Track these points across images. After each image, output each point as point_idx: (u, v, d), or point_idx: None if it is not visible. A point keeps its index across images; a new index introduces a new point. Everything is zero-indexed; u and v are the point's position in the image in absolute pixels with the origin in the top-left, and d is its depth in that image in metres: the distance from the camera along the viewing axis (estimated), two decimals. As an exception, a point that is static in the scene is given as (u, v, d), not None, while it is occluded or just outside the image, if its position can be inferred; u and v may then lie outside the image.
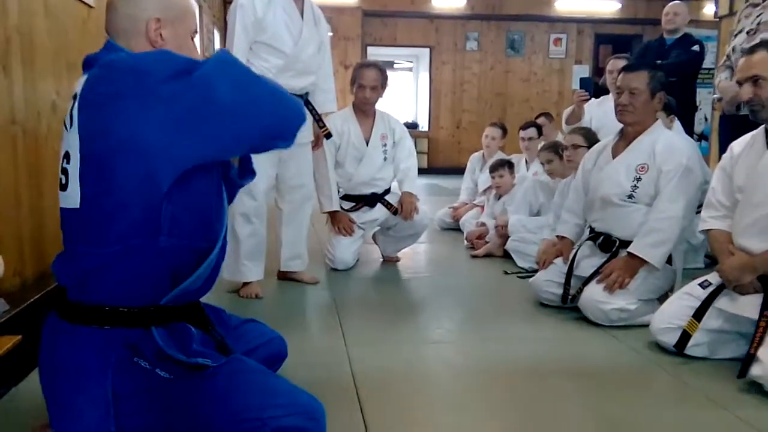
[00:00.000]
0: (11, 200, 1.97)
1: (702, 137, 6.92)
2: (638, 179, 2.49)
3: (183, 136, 1.16)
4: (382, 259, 3.66)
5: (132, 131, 1.15)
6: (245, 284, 2.83)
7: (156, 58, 1.22)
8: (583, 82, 3.94)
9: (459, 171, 5.65)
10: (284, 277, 3.11)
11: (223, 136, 1.19)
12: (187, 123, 1.15)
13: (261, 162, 2.82)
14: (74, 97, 1.25)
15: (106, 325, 1.21)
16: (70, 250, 1.27)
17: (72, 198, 1.23)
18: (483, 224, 4.09)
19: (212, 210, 1.34)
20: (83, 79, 1.25)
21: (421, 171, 3.82)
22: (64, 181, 1.25)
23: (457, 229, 4.56)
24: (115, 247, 1.21)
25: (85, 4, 2.62)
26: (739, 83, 2.16)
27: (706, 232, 2.26)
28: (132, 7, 1.31)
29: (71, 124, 1.23)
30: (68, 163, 1.23)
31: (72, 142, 1.22)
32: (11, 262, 1.94)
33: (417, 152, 3.74)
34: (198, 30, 1.42)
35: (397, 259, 3.65)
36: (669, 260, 2.50)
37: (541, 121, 4.81)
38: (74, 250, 1.26)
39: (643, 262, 2.44)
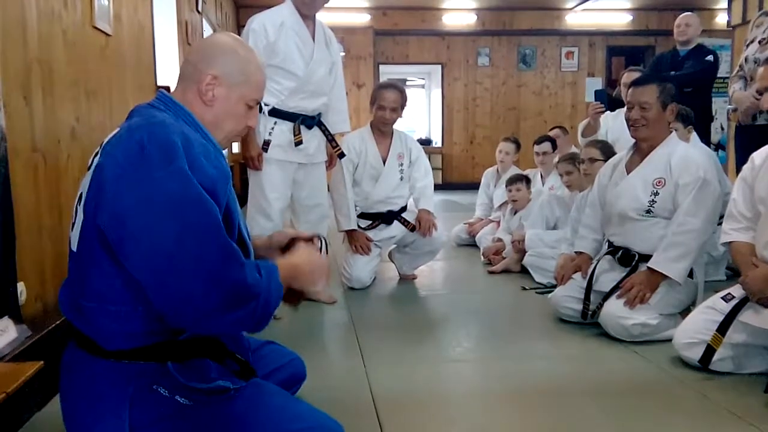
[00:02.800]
0: (33, 227, 2.00)
1: (719, 147, 6.85)
2: (656, 194, 2.47)
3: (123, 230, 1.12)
4: (398, 277, 3.65)
5: (105, 202, 1.14)
6: (263, 305, 2.83)
7: (166, 159, 1.14)
8: (598, 95, 3.93)
9: (473, 186, 5.64)
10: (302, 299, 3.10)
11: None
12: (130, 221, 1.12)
13: (276, 182, 2.87)
14: (101, 144, 1.25)
15: (123, 359, 1.21)
16: (71, 292, 1.27)
17: (74, 240, 1.23)
18: (499, 240, 4.07)
19: None
20: (116, 131, 1.25)
21: (436, 187, 3.83)
22: (74, 220, 1.25)
23: (473, 245, 4.54)
24: (93, 303, 1.20)
25: (103, 32, 2.68)
26: (759, 93, 2.14)
27: (728, 244, 2.23)
28: (200, 57, 1.34)
29: (89, 168, 1.24)
30: (80, 204, 1.23)
31: (86, 184, 1.22)
32: (33, 288, 1.96)
33: (431, 168, 3.74)
34: (260, 100, 1.41)
35: (414, 277, 3.64)
36: (690, 274, 2.47)
37: (555, 133, 4.78)
38: (73, 293, 1.25)
39: (663, 276, 2.41)
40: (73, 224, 1.25)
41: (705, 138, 4.02)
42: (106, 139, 1.25)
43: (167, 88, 3.98)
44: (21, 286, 1.86)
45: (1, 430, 1.64)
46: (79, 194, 1.25)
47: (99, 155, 1.22)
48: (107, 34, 2.73)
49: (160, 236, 1.10)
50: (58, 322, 1.99)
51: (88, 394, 1.21)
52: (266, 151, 2.77)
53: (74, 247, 1.23)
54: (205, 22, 5.83)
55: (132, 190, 1.12)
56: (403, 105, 3.38)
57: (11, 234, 1.76)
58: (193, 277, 1.11)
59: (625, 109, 3.78)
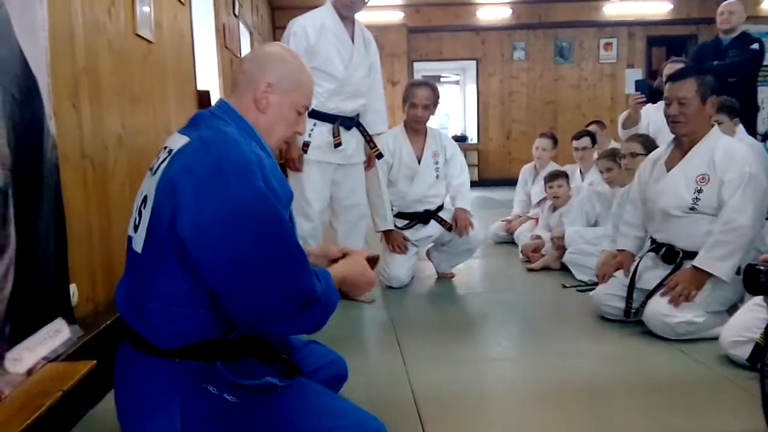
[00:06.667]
0: (83, 230, 2.07)
1: (766, 137, 6.63)
2: (699, 191, 2.41)
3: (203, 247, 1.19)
4: (436, 276, 3.65)
5: (182, 213, 1.18)
6: (303, 304, 2.87)
7: (244, 177, 1.20)
8: (639, 85, 3.85)
9: (511, 182, 5.60)
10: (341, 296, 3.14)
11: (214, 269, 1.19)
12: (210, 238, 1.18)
13: (316, 183, 2.91)
14: (167, 150, 1.29)
15: (174, 357, 1.25)
16: (129, 291, 1.31)
17: (138, 242, 1.27)
18: (538, 237, 4.03)
19: None
20: (184, 140, 1.27)
21: (472, 184, 3.81)
22: (137, 222, 1.29)
23: (511, 242, 4.51)
24: (154, 304, 1.24)
25: (145, 40, 2.75)
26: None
27: (777, 239, 2.17)
28: (255, 66, 1.40)
29: (155, 172, 1.27)
30: (144, 207, 1.27)
31: (152, 188, 1.25)
32: (84, 289, 2.04)
33: (467, 165, 3.72)
34: (309, 106, 1.48)
35: (452, 275, 3.64)
36: (738, 270, 2.40)
37: (592, 128, 4.71)
38: (132, 293, 1.30)
39: (710, 274, 2.36)
40: (137, 226, 1.28)
41: (751, 129, 3.91)
42: (174, 147, 1.27)
43: (207, 93, 4.02)
44: (73, 288, 1.93)
45: (59, 426, 1.71)
46: (143, 196, 1.28)
47: (168, 162, 1.25)
48: (149, 41, 2.80)
49: (240, 249, 1.18)
50: (108, 322, 2.06)
51: (141, 391, 1.26)
52: (306, 153, 2.81)
53: (138, 249, 1.27)
54: (241, 25, 5.92)
55: (213, 205, 1.18)
56: (435, 102, 3.37)
57: (63, 238, 1.83)
58: (270, 286, 1.19)
59: (666, 101, 3.71)
